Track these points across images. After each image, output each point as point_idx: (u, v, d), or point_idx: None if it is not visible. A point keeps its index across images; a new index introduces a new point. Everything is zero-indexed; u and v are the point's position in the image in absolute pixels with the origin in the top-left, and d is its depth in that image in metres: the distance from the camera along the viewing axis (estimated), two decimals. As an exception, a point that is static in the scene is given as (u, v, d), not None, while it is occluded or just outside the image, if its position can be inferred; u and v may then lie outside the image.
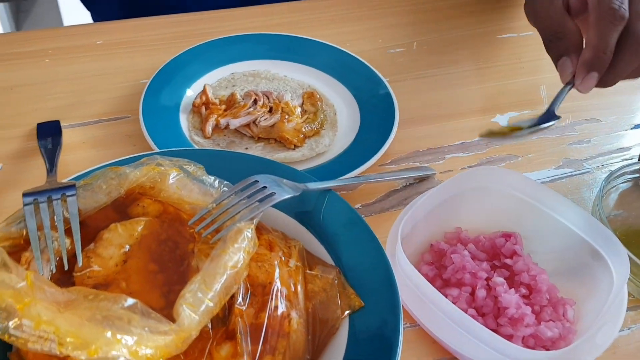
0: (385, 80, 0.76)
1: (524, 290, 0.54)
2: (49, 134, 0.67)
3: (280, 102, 0.70)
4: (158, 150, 0.56)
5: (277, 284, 0.46)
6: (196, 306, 0.40)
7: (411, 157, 0.70)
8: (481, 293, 0.54)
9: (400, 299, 0.47)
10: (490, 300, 0.54)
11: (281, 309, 0.45)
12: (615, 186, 0.62)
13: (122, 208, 0.51)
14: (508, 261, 0.56)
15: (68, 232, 0.47)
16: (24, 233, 0.47)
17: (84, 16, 1.12)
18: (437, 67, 0.84)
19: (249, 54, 0.79)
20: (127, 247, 0.47)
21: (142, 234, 0.49)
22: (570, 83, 0.56)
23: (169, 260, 0.48)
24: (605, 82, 0.55)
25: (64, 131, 0.69)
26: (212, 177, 0.51)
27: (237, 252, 0.44)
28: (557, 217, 0.57)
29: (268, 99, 0.71)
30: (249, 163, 0.56)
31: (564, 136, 0.75)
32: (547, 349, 0.52)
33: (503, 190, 0.59)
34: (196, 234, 0.49)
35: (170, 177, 0.51)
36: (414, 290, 0.51)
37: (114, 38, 0.85)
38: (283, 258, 0.49)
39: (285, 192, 0.51)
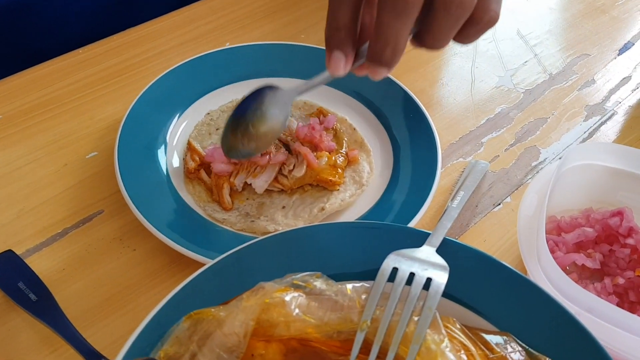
0: (378, 71, 0.64)
1: (662, 270, 0.50)
2: (13, 278, 0.46)
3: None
4: (218, 258, 0.40)
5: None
6: None
7: (452, 153, 0.61)
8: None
9: (602, 345, 0.39)
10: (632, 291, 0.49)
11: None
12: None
13: (234, 370, 0.36)
14: (630, 241, 0.51)
15: None
16: None
17: None
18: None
19: (213, 82, 0.62)
20: None
21: (286, 398, 0.35)
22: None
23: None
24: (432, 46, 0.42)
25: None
26: (344, 284, 0.38)
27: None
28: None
29: (275, 135, 0.56)
30: (348, 243, 0.43)
31: (570, 81, 0.71)
32: None
33: (590, 165, 0.54)
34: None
35: (288, 304, 0.37)
36: (582, 314, 0.44)
37: (15, 107, 0.62)
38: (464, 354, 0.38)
39: (436, 270, 0.39)
